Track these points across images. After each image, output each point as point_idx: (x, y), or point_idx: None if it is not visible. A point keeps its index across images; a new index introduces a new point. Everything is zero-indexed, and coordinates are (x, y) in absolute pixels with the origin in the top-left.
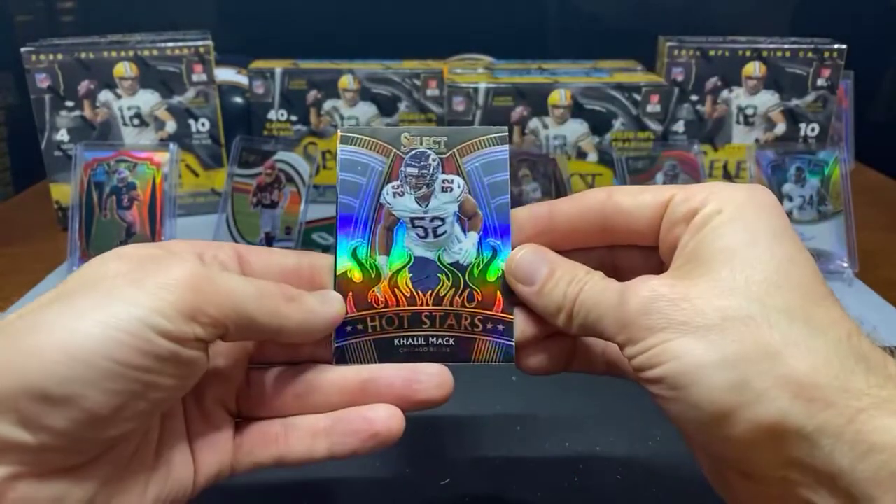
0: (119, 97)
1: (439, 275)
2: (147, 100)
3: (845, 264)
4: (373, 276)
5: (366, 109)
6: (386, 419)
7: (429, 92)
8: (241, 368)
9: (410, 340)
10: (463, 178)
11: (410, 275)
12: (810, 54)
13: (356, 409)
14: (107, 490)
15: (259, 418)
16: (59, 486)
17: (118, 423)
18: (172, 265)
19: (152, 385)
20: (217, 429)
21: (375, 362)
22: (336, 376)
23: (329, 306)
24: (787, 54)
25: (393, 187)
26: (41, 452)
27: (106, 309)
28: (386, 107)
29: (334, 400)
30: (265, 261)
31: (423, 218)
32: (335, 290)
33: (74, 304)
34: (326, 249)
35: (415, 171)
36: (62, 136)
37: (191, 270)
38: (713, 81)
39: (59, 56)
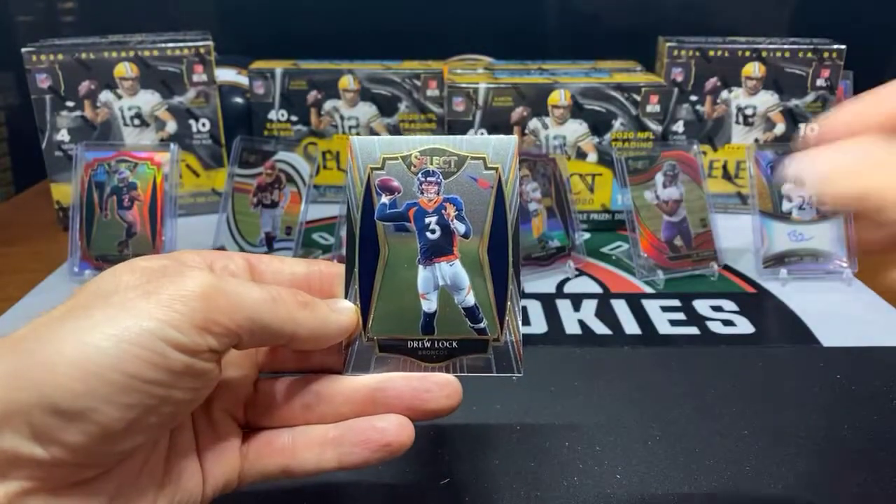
0: (119, 97)
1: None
2: (147, 100)
3: (844, 264)
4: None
5: (366, 110)
6: (397, 429)
7: (429, 92)
8: (251, 378)
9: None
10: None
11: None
12: (810, 54)
13: (366, 420)
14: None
15: (267, 428)
16: (71, 500)
17: (131, 436)
18: (184, 276)
19: (166, 399)
20: (225, 439)
21: (387, 370)
22: (345, 386)
23: (341, 314)
24: (787, 54)
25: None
26: (53, 467)
27: (118, 322)
28: (386, 107)
29: (343, 410)
30: (276, 269)
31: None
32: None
33: (87, 317)
34: (327, 249)
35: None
36: (63, 136)
37: (203, 281)
38: (713, 82)
39: (60, 56)
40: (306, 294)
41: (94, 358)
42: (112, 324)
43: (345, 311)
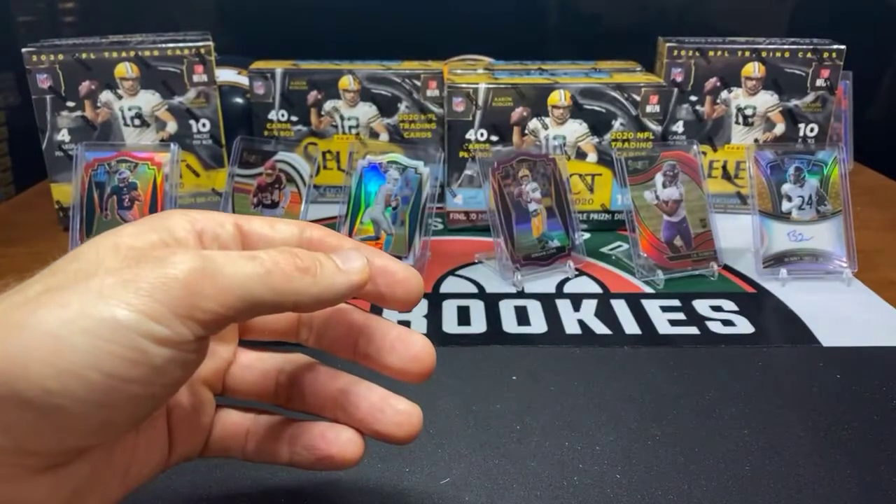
0: (120, 97)
1: None
2: (148, 100)
3: (844, 264)
4: None
5: (366, 110)
6: (343, 444)
7: (429, 92)
8: (231, 349)
9: None
10: None
11: None
12: (809, 55)
13: (319, 426)
14: (88, 483)
15: (240, 398)
16: (37, 485)
17: (106, 431)
18: (166, 261)
19: (145, 394)
20: (198, 413)
21: None
22: (317, 378)
23: (351, 273)
24: (787, 55)
25: None
26: (18, 455)
27: (95, 315)
28: (386, 107)
29: (309, 401)
30: (267, 237)
31: None
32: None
33: (63, 305)
34: None
35: None
36: (63, 136)
37: (185, 265)
38: (712, 82)
39: (60, 56)
40: (308, 255)
41: (70, 355)
42: (89, 317)
43: (355, 269)
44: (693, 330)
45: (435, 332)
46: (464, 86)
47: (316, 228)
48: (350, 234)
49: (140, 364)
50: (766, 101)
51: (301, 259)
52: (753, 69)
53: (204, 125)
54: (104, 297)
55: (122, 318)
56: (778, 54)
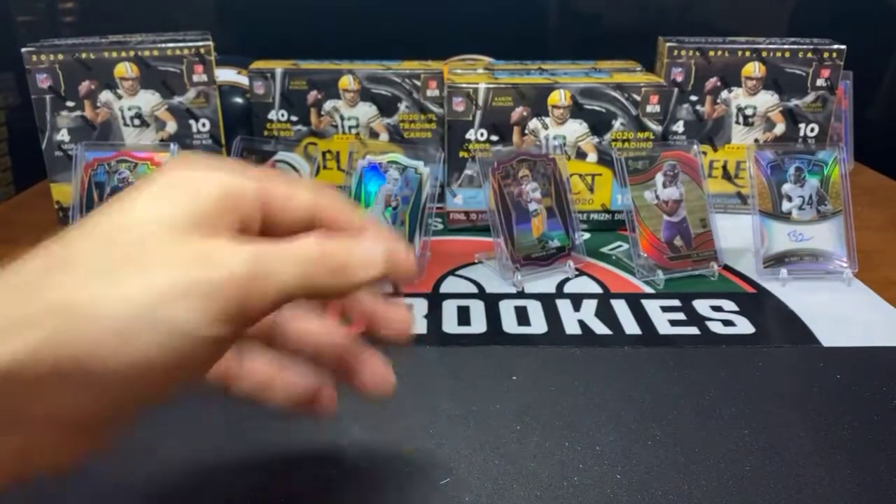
0: (120, 97)
1: None
2: (148, 100)
3: (844, 264)
4: None
5: (366, 110)
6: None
7: (429, 92)
8: None
9: None
10: None
11: None
12: (810, 54)
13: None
14: None
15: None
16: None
17: (142, 408)
18: (224, 264)
19: (186, 380)
20: None
21: None
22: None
23: (369, 268)
24: (787, 54)
25: None
26: (59, 426)
27: (156, 316)
28: (386, 107)
29: (302, 340)
30: (291, 215)
31: None
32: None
33: (127, 298)
34: None
35: None
36: (63, 136)
37: (244, 268)
38: (713, 82)
39: (60, 56)
40: (338, 253)
41: (131, 348)
42: (151, 314)
43: (373, 263)
44: (693, 330)
45: (435, 332)
46: (464, 86)
47: (329, 207)
48: None
49: (189, 358)
50: (766, 100)
51: (333, 259)
52: (754, 69)
53: (204, 125)
54: (164, 298)
55: (179, 318)
56: (778, 54)
